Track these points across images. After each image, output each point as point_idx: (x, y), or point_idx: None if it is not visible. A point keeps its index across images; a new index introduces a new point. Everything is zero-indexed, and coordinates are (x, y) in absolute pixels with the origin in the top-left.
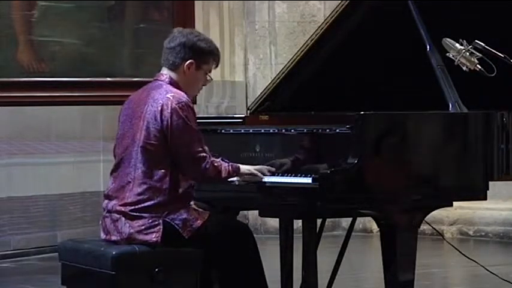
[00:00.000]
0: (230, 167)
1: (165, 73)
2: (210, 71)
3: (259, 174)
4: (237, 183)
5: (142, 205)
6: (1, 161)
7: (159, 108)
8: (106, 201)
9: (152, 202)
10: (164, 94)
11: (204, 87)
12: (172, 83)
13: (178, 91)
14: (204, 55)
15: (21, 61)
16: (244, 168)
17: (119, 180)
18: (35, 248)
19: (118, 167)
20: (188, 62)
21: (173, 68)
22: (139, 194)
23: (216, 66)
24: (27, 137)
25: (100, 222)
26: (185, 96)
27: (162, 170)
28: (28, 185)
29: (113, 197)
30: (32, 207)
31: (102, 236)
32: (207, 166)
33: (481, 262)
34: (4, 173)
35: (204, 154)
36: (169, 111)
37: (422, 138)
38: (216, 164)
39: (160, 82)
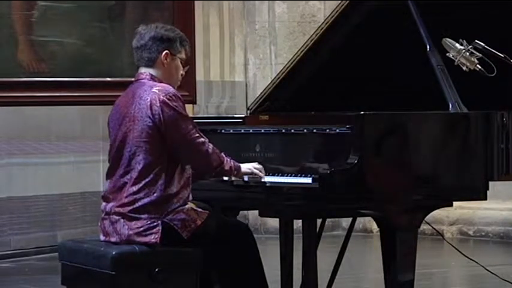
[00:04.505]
0: (232, 163)
1: (144, 71)
2: (184, 59)
3: (260, 173)
4: (235, 183)
5: (140, 204)
6: (1, 161)
7: (148, 104)
8: (104, 203)
9: (149, 199)
10: (150, 90)
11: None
12: (154, 78)
13: (163, 84)
14: (175, 43)
15: (21, 61)
16: (244, 167)
17: (115, 181)
18: (35, 248)
19: (113, 169)
20: (164, 53)
21: (150, 64)
22: (135, 193)
23: (188, 53)
24: (27, 137)
25: (99, 224)
26: (171, 87)
27: (158, 167)
28: (28, 185)
29: (111, 198)
30: (32, 207)
31: (102, 238)
32: (209, 151)
33: (481, 262)
34: (4, 173)
35: (203, 139)
36: (158, 104)
37: (422, 138)
38: (219, 154)
39: (142, 81)
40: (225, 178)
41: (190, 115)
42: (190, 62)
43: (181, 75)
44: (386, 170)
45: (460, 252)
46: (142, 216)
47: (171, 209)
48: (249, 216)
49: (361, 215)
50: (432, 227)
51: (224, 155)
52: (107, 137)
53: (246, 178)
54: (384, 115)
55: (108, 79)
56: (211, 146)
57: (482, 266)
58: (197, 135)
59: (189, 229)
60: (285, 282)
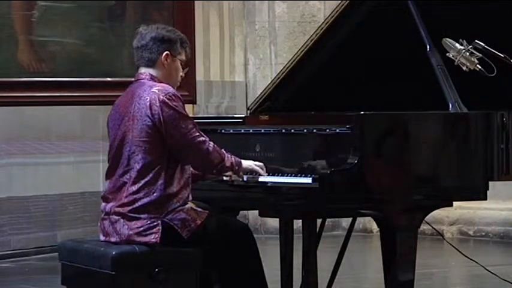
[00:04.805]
0: (233, 159)
1: (144, 71)
2: (184, 61)
3: (260, 171)
4: (235, 183)
5: (139, 203)
6: (1, 161)
7: (148, 104)
8: (104, 203)
9: (148, 199)
10: (149, 90)
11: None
12: (154, 79)
13: (163, 84)
14: (176, 44)
15: (21, 61)
16: (245, 163)
17: (114, 181)
18: (35, 248)
19: (113, 169)
20: (164, 54)
21: (151, 64)
22: (135, 193)
23: (188, 54)
24: (27, 137)
25: (99, 224)
26: (171, 87)
27: (157, 167)
28: (28, 185)
29: (110, 198)
30: (32, 207)
31: (102, 238)
32: (210, 150)
33: (481, 262)
34: (4, 173)
35: (203, 138)
36: (158, 104)
37: (422, 138)
38: (220, 152)
39: (142, 81)
40: (225, 178)
41: (190, 115)
42: (190, 62)
43: (181, 76)
44: (386, 170)
45: (460, 252)
46: (142, 216)
47: (171, 208)
48: (249, 216)
49: (361, 215)
50: (432, 227)
51: (225, 151)
52: (106, 137)
53: (245, 178)
54: (383, 115)
55: (108, 79)
56: (211, 144)
57: (482, 266)
58: (197, 134)
59: (189, 229)
60: (285, 282)
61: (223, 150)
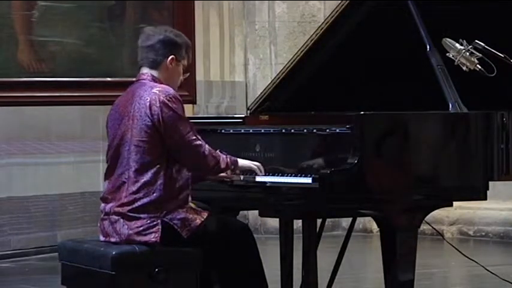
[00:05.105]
0: (228, 159)
1: (146, 72)
2: (186, 66)
3: (257, 169)
4: (235, 183)
5: (139, 203)
6: (1, 161)
7: (148, 104)
8: (103, 204)
9: (148, 199)
10: (150, 90)
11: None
12: (155, 80)
13: (163, 85)
14: (181, 49)
15: (21, 61)
16: (242, 162)
17: (113, 181)
18: (34, 248)
19: (112, 169)
20: (170, 57)
21: (155, 65)
22: (134, 193)
23: (190, 60)
24: (27, 137)
25: (98, 224)
26: (171, 89)
27: (156, 166)
28: (28, 185)
29: (110, 198)
30: (32, 207)
31: (101, 238)
32: (206, 153)
33: (481, 262)
34: (4, 173)
35: (200, 142)
36: (158, 105)
37: (422, 138)
38: (214, 154)
39: (143, 81)
40: (226, 179)
41: (191, 115)
42: (190, 66)
43: (181, 80)
44: (386, 170)
45: (460, 252)
46: (142, 215)
47: (171, 208)
48: (249, 216)
49: (361, 215)
50: (432, 227)
51: (220, 153)
52: (106, 137)
53: (242, 178)
54: (383, 115)
55: (108, 79)
56: (207, 147)
57: (482, 266)
58: (194, 137)
59: (189, 228)
60: (285, 282)
61: (218, 151)
